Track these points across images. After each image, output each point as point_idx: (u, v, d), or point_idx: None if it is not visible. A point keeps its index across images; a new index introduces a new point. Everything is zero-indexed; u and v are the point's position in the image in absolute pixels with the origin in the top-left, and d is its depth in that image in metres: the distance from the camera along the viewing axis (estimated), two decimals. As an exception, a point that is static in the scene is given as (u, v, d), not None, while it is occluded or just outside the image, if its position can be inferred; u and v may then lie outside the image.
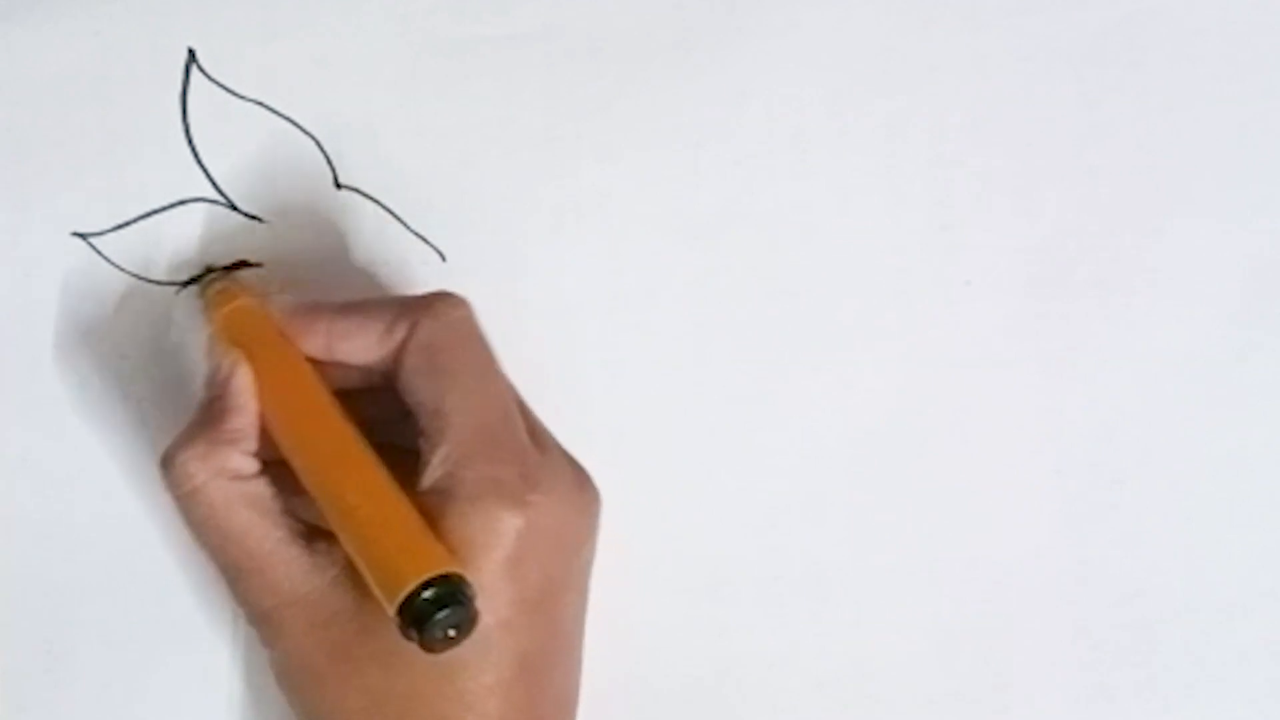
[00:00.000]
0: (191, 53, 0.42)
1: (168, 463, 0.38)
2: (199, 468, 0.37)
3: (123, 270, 0.42)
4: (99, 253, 0.42)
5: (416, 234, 0.43)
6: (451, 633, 0.34)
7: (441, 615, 0.34)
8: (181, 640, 0.43)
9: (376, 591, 0.35)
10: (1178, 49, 0.43)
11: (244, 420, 0.38)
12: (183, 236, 0.42)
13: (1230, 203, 0.43)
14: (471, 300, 0.39)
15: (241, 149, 0.42)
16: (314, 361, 0.39)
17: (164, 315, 0.42)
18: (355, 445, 0.38)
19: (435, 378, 0.38)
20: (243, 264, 0.42)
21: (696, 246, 0.43)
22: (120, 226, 0.42)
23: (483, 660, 0.36)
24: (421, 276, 0.43)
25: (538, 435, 0.39)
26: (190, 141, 0.42)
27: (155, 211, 0.42)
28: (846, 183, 0.43)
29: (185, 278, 0.42)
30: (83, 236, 0.42)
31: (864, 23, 0.43)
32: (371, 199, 0.43)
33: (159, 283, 0.43)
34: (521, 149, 0.43)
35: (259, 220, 0.43)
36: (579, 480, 0.39)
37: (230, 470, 0.38)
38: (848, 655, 0.44)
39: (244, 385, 0.38)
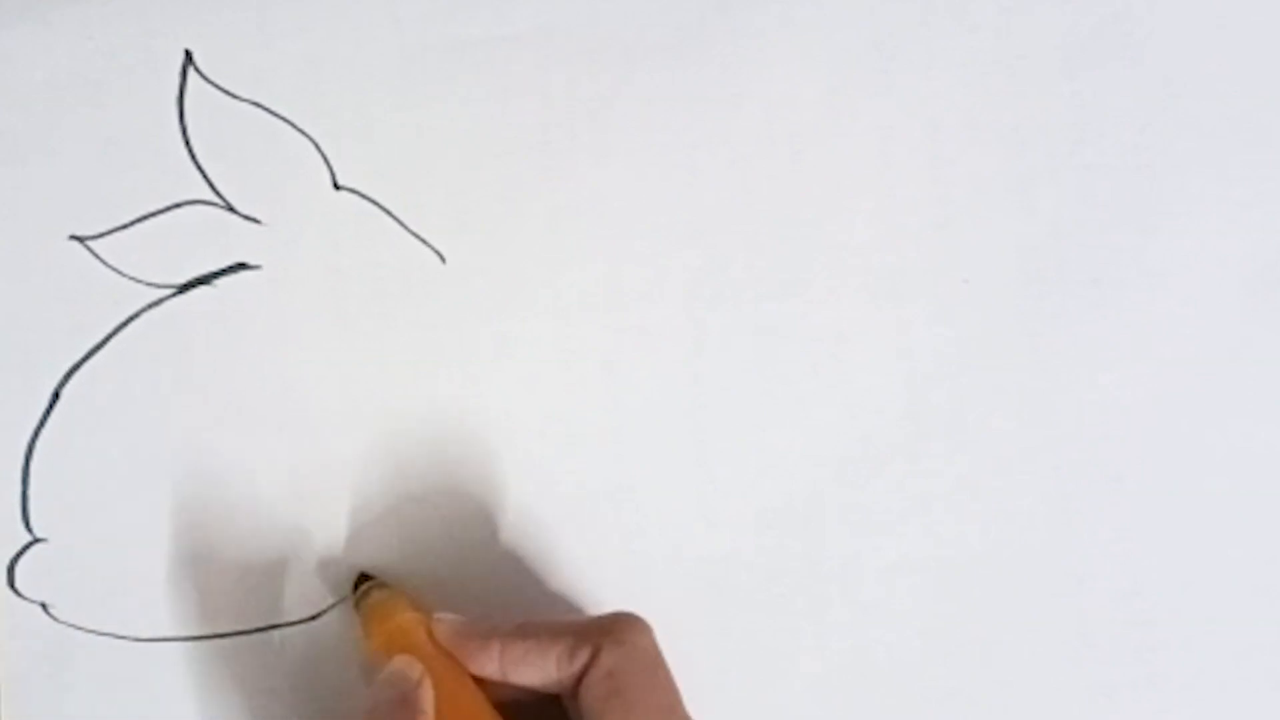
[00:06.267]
0: (188, 54, 0.42)
1: None
2: None
3: (120, 274, 0.42)
4: (96, 256, 0.42)
5: (415, 235, 0.43)
6: None
7: None
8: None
9: None
10: (1173, 46, 0.43)
11: None
12: (180, 239, 0.42)
13: (1226, 200, 0.44)
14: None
15: (239, 151, 0.42)
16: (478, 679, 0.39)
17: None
18: None
19: (620, 714, 0.37)
20: (241, 266, 0.42)
21: (693, 246, 0.43)
22: (117, 229, 0.42)
23: None
24: (420, 277, 0.43)
25: None
26: (187, 143, 0.42)
27: (153, 214, 0.42)
28: (842, 182, 0.43)
29: (183, 280, 0.42)
30: (80, 240, 0.42)
31: (858, 22, 0.43)
32: (370, 200, 0.43)
33: (157, 286, 0.42)
34: (518, 150, 0.43)
35: (257, 222, 0.43)
36: None
37: None
38: (848, 655, 0.44)
39: (429, 698, 0.38)
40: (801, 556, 0.44)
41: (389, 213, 0.43)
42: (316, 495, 0.43)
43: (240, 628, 0.43)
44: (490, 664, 0.39)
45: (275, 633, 0.43)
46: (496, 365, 0.43)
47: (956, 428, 0.44)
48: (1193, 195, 0.43)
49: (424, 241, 0.43)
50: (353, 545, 0.43)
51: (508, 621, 0.39)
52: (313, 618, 0.43)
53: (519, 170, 0.43)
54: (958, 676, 0.44)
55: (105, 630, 0.43)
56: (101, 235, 0.42)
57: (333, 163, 0.43)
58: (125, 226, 0.42)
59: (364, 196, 0.43)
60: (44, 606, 0.43)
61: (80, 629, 0.43)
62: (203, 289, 0.43)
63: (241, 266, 0.42)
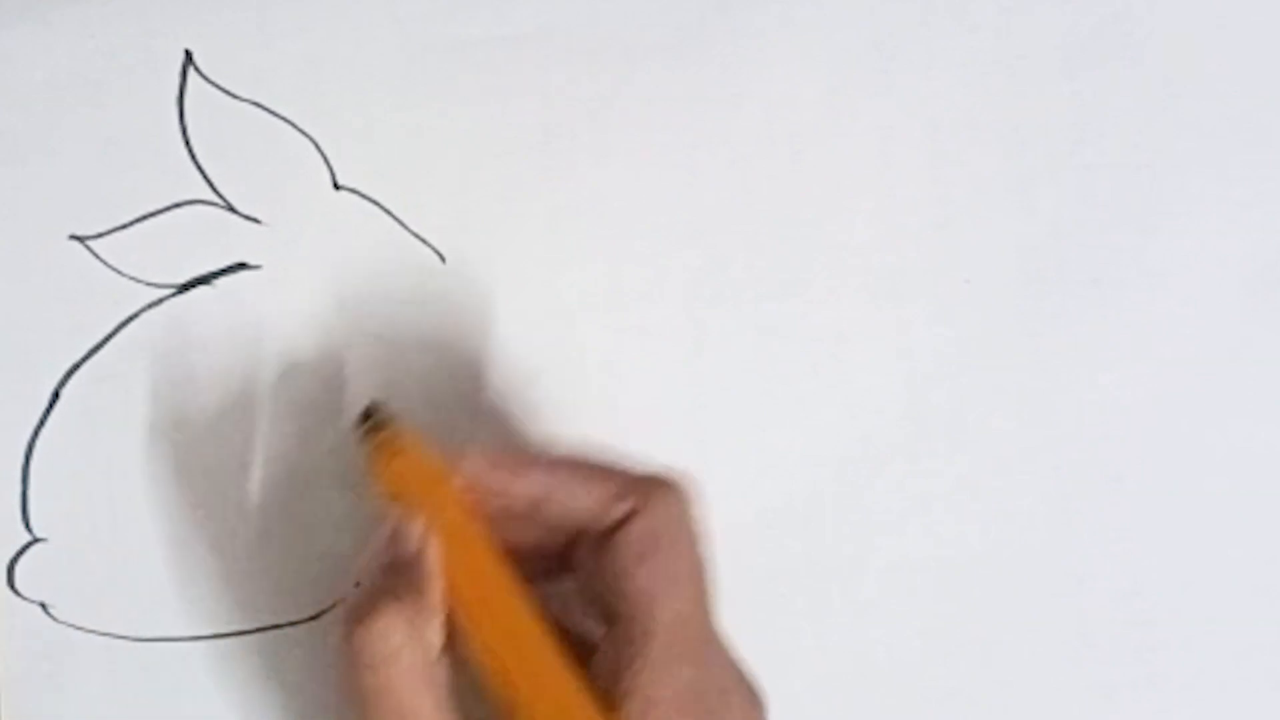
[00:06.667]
0: (188, 54, 0.42)
1: (364, 623, 0.35)
2: (402, 638, 0.35)
3: (120, 273, 0.42)
4: (96, 256, 0.42)
5: (415, 235, 0.43)
6: None
7: None
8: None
9: None
10: (1173, 45, 0.43)
11: (438, 596, 0.36)
12: (180, 239, 0.42)
13: (1226, 200, 0.44)
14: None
15: (239, 150, 0.42)
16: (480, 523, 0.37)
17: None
18: (541, 641, 0.36)
19: (653, 579, 0.36)
20: (241, 266, 0.42)
21: (694, 247, 0.43)
22: (117, 229, 0.42)
23: None
24: (420, 277, 0.43)
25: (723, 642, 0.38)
26: (187, 143, 0.42)
27: (153, 214, 0.42)
28: (843, 182, 0.44)
29: (187, 279, 0.42)
30: (80, 240, 0.42)
31: (858, 22, 0.43)
32: (370, 200, 0.43)
33: (157, 286, 0.42)
34: (519, 150, 0.43)
35: (257, 222, 0.43)
36: (753, 700, 0.38)
37: (427, 645, 0.35)
38: (848, 655, 0.44)
39: (436, 558, 0.36)
40: (801, 556, 0.44)
41: (389, 213, 0.43)
42: (316, 495, 0.43)
43: (240, 628, 0.43)
44: (531, 489, 0.37)
45: (275, 633, 0.43)
46: (497, 365, 0.43)
47: (956, 428, 0.44)
48: (1193, 195, 0.44)
49: (424, 241, 0.43)
50: (352, 544, 0.43)
51: (549, 453, 0.39)
52: (313, 617, 0.43)
53: (519, 170, 0.43)
54: (958, 676, 0.44)
55: (105, 630, 0.43)
56: (101, 235, 0.42)
57: (333, 163, 0.42)
58: (125, 226, 0.42)
59: (364, 196, 0.43)
60: (44, 606, 0.43)
61: (80, 629, 0.43)
62: (203, 289, 0.43)
63: (241, 266, 0.42)
